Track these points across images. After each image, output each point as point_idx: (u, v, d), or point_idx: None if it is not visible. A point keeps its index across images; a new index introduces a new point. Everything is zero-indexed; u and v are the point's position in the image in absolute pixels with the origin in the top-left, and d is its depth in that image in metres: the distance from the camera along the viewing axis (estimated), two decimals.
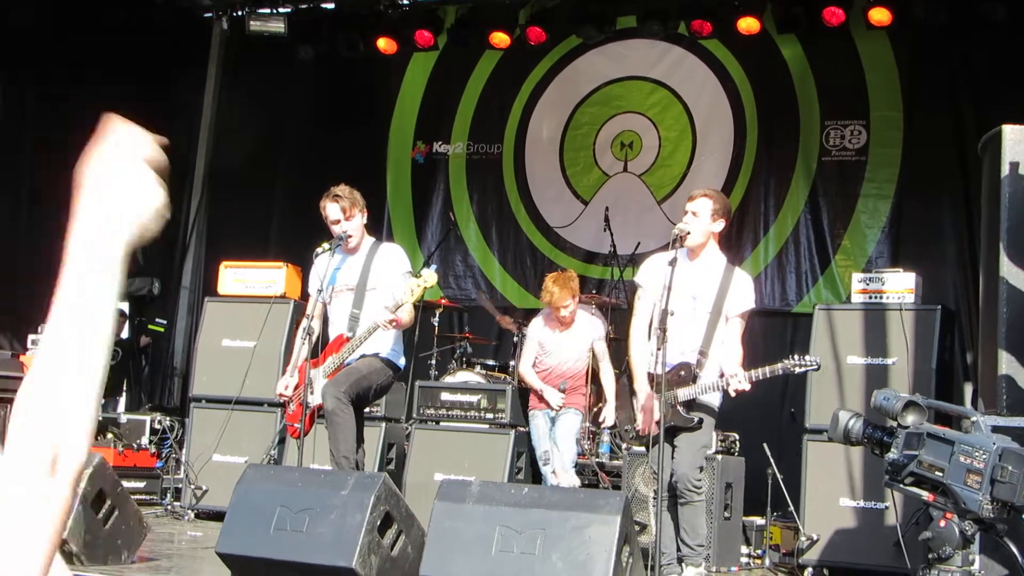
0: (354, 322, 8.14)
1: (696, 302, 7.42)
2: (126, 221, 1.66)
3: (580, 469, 11.11)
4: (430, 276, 7.97)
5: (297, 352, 8.32)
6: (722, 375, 7.34)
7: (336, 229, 8.18)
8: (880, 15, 12.25)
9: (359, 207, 8.28)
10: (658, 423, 7.03)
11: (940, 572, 4.75)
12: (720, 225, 7.60)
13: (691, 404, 7.35)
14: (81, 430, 1.52)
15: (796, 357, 7.28)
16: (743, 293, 7.56)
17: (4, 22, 13.05)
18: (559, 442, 9.82)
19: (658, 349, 7.03)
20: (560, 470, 9.70)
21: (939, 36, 12.33)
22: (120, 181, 1.68)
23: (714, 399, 7.52)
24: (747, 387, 7.19)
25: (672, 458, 7.44)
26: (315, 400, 8.14)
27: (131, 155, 1.74)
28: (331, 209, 8.18)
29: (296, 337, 8.45)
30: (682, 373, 7.29)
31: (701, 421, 7.37)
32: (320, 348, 8.38)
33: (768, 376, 7.27)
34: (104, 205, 1.63)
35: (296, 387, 8.27)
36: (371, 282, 8.22)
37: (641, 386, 7.56)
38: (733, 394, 7.29)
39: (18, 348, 11.42)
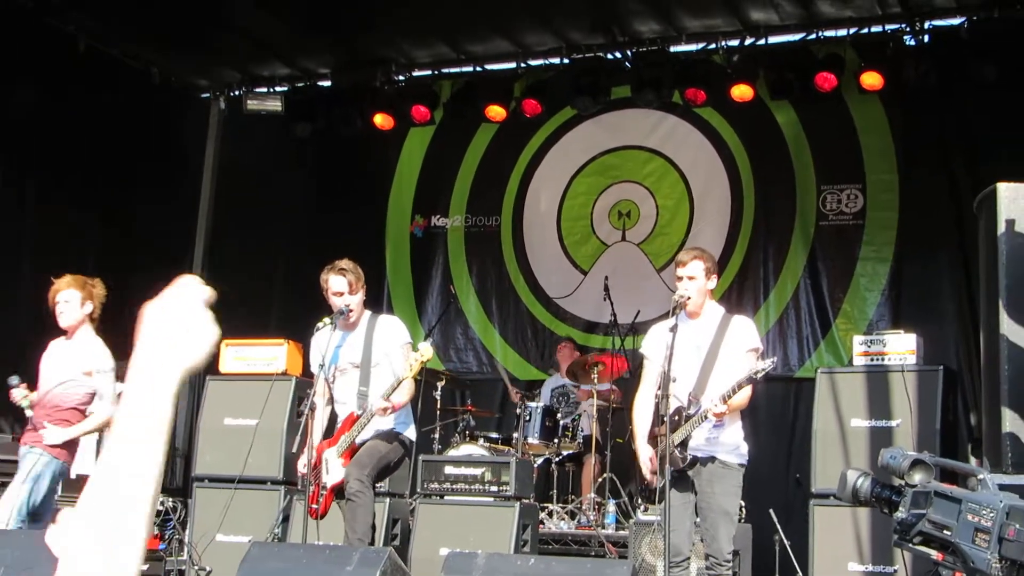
0: (363, 399, 8.11)
1: (700, 351, 7.41)
2: (182, 353, 1.83)
3: (586, 540, 11.06)
4: (427, 350, 7.93)
5: (309, 430, 8.24)
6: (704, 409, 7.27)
7: (338, 302, 8.16)
8: (872, 79, 12.33)
9: (362, 282, 8.29)
10: (662, 491, 7.01)
11: None
12: (714, 282, 7.63)
13: (685, 443, 7.28)
14: (128, 560, 1.57)
15: (756, 364, 7.17)
16: (743, 331, 7.53)
17: (3, 105, 13.13)
18: None
19: (661, 413, 7.02)
20: None
21: (930, 98, 12.43)
22: (179, 319, 1.88)
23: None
24: (723, 409, 7.11)
25: (701, 528, 7.39)
26: (331, 479, 8.12)
27: (191, 297, 1.94)
28: (337, 282, 8.16)
29: (304, 416, 8.38)
30: (676, 417, 7.26)
31: (695, 460, 7.29)
32: (329, 426, 8.36)
33: (736, 390, 7.14)
34: (162, 339, 1.84)
35: (313, 467, 8.21)
36: (375, 357, 8.19)
37: (642, 444, 7.54)
38: (715, 420, 7.19)
39: (18, 431, 11.36)
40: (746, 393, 7.24)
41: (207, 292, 1.97)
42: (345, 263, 8.26)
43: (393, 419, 8.19)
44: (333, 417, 8.46)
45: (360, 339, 8.25)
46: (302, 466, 8.17)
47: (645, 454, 7.48)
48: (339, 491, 8.16)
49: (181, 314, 1.88)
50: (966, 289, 11.99)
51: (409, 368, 7.87)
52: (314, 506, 8.16)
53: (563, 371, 12.91)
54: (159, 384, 1.76)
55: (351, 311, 8.18)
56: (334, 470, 8.14)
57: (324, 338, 8.27)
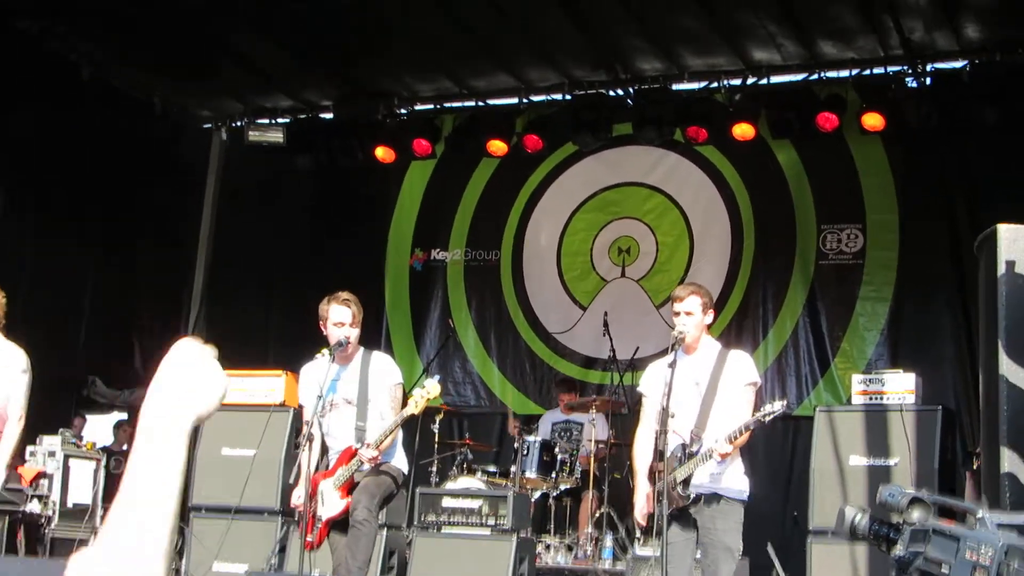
0: (361, 433, 8.04)
1: (699, 387, 7.40)
2: (191, 404, 1.85)
3: (583, 574, 11.03)
4: (433, 387, 7.96)
5: (305, 463, 8.19)
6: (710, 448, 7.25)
7: (338, 333, 8.12)
8: (873, 120, 12.39)
9: (361, 316, 8.28)
10: (659, 530, 7.00)
11: None
12: (711, 317, 7.62)
13: (688, 481, 7.25)
14: None
15: (764, 407, 7.16)
16: (741, 366, 7.51)
17: (4, 134, 13.15)
18: None
19: (659, 449, 7.02)
20: None
21: (931, 139, 12.49)
22: (189, 370, 1.90)
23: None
24: (729, 449, 7.09)
25: (702, 563, 7.37)
26: (327, 512, 8.08)
27: (199, 350, 1.97)
28: (340, 313, 8.12)
29: (299, 448, 8.34)
30: (678, 455, 7.24)
31: (698, 497, 7.27)
32: (322, 458, 8.33)
33: (744, 432, 7.13)
34: (171, 391, 1.84)
35: (309, 499, 8.16)
36: (371, 393, 8.14)
37: (641, 481, 7.52)
38: (719, 459, 7.17)
39: (16, 460, 11.35)
40: (746, 435, 7.25)
41: (210, 350, 1.99)
42: (347, 295, 8.25)
43: (391, 453, 8.16)
44: (322, 449, 8.41)
45: (355, 375, 8.19)
46: (296, 497, 8.13)
47: (643, 491, 7.46)
48: (335, 524, 8.13)
49: (191, 366, 1.90)
50: (965, 329, 12.01)
51: (415, 405, 7.87)
52: (309, 538, 8.08)
53: (563, 409, 12.93)
54: (171, 438, 1.80)
55: (350, 343, 8.17)
56: (330, 502, 8.09)
57: (321, 370, 8.22)
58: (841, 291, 12.99)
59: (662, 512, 6.99)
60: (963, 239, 11.99)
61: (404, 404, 8.07)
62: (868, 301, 12.83)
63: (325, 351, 8.23)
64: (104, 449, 13.67)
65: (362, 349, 8.33)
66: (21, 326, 10.92)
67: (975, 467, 9.26)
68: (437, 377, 8.20)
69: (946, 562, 4.64)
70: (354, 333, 8.14)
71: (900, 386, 9.57)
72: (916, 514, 4.85)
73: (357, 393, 8.12)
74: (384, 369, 8.27)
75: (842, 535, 5.07)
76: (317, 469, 8.17)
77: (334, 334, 8.12)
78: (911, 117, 12.27)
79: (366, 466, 7.99)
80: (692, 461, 7.19)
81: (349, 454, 8.07)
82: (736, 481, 7.38)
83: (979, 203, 12.13)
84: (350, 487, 8.05)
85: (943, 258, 12.47)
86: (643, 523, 7.46)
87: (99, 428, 15.49)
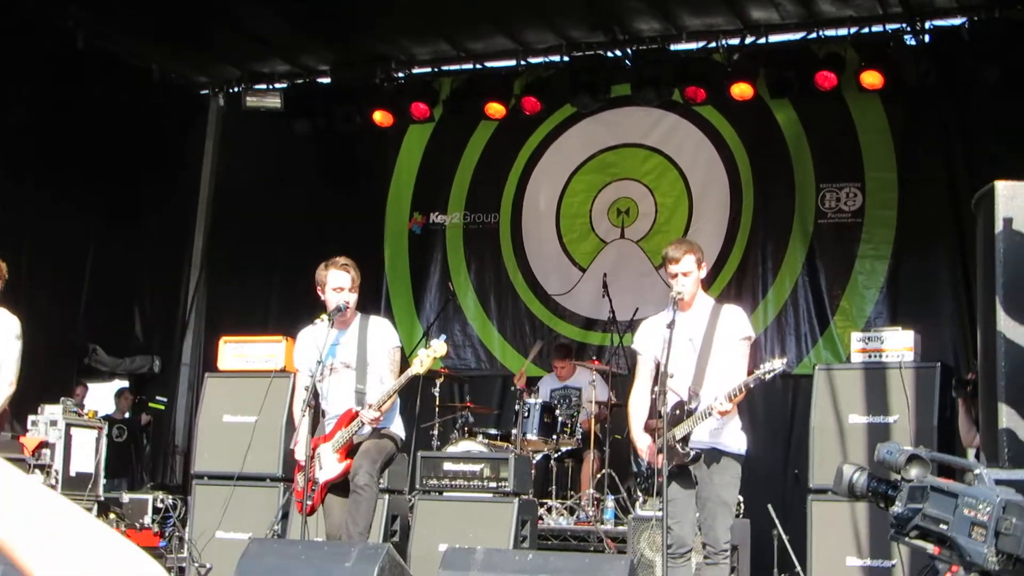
0: (360, 396, 8.04)
1: (693, 343, 7.39)
2: None
3: (585, 535, 11.07)
4: (440, 346, 7.96)
5: (305, 425, 8.18)
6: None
7: (337, 298, 8.11)
8: (872, 78, 12.35)
9: (359, 280, 8.27)
10: (659, 489, 7.02)
11: None
12: (704, 271, 7.62)
13: (687, 439, 7.26)
14: None
15: (764, 364, 7.16)
16: (735, 320, 7.50)
17: (1, 104, 13.13)
18: None
19: (659, 408, 7.03)
20: None
21: (930, 97, 12.46)
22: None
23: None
24: (729, 407, 7.10)
25: (700, 517, 7.41)
26: (324, 475, 8.07)
27: None
28: (339, 278, 8.10)
29: (296, 411, 8.34)
30: (676, 412, 7.23)
31: (698, 455, 7.28)
32: (318, 423, 8.33)
33: (744, 390, 7.14)
34: None
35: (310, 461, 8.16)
36: (370, 357, 8.13)
37: (638, 434, 7.52)
38: (718, 418, 7.18)
39: (19, 429, 11.38)
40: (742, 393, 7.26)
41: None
42: (345, 259, 8.23)
43: (390, 419, 8.16)
44: (319, 413, 8.41)
45: (354, 339, 8.17)
46: (301, 452, 8.09)
47: (643, 443, 7.47)
48: (332, 486, 8.14)
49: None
50: (964, 286, 12.02)
51: (420, 364, 7.86)
52: (307, 502, 8.01)
53: (560, 377, 12.94)
54: None
55: (348, 308, 8.16)
56: (328, 465, 8.08)
57: (319, 335, 8.23)
58: (840, 250, 12.99)
59: (663, 471, 7.01)
60: (962, 196, 11.95)
61: (402, 368, 8.07)
62: (867, 259, 12.83)
63: (324, 316, 8.23)
64: (106, 418, 13.72)
65: (360, 314, 8.31)
66: (23, 295, 10.96)
67: (968, 390, 9.26)
68: (443, 337, 8.18)
69: (944, 519, 4.65)
70: (352, 298, 8.13)
71: (899, 344, 9.57)
72: (914, 471, 4.86)
73: (356, 357, 8.10)
74: (382, 333, 8.25)
75: (841, 493, 5.08)
76: (313, 434, 8.16)
77: (332, 299, 8.11)
78: (910, 75, 12.24)
79: (366, 428, 7.98)
80: (691, 419, 7.20)
81: (349, 416, 8.06)
82: (734, 437, 7.40)
83: (977, 160, 12.11)
84: (348, 450, 8.04)
85: (942, 216, 12.46)
86: (649, 458, 7.44)
87: (101, 396, 15.54)
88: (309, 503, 8.01)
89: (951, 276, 12.32)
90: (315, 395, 8.24)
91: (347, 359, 8.13)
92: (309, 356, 8.17)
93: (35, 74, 13.26)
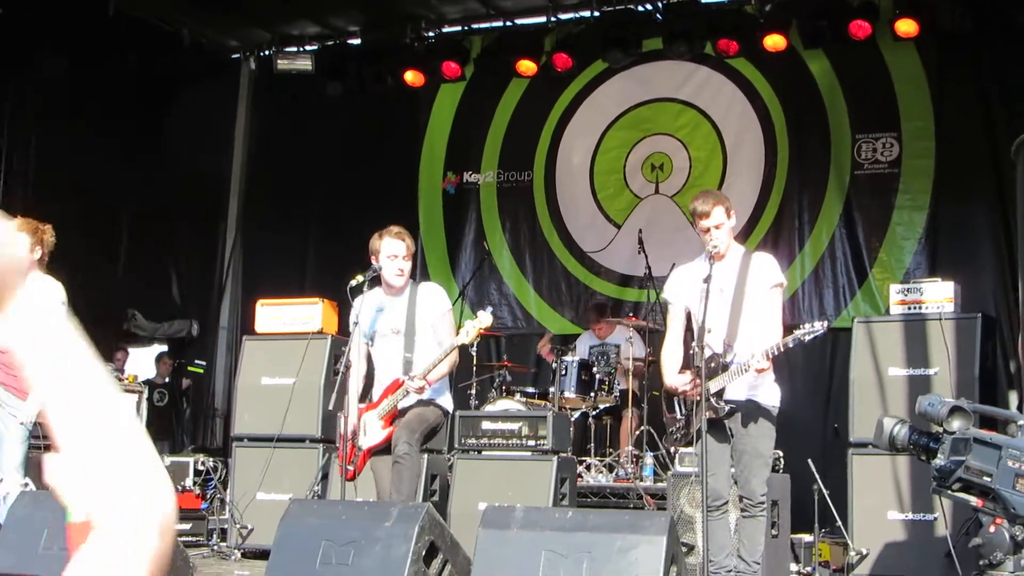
0: (408, 366, 8.11)
1: (724, 293, 7.34)
2: None
3: (624, 493, 11.07)
4: (485, 318, 7.99)
5: (349, 389, 8.23)
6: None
7: (392, 266, 8.14)
8: (907, 26, 12.21)
9: (413, 248, 8.27)
10: (690, 442, 7.01)
11: None
12: (734, 219, 7.54)
13: (721, 393, 7.22)
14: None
15: (804, 326, 7.11)
16: (765, 268, 7.42)
17: (37, 73, 13.17)
18: None
19: (698, 365, 6.99)
20: None
21: (966, 44, 12.30)
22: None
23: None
24: (766, 365, 7.05)
25: (736, 470, 7.40)
26: (367, 441, 8.16)
27: None
28: (395, 246, 8.13)
29: (342, 375, 8.36)
30: (711, 365, 7.17)
31: (733, 410, 7.25)
32: (365, 387, 8.38)
33: (783, 349, 7.09)
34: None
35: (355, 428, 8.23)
36: (419, 325, 8.19)
37: (674, 377, 7.48)
38: (755, 375, 7.14)
39: None
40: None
41: None
42: (399, 228, 8.33)
43: (436, 390, 8.22)
44: (368, 378, 8.47)
45: (403, 306, 8.24)
46: (354, 418, 8.15)
47: (681, 380, 7.41)
48: (377, 451, 8.19)
49: None
50: (1004, 235, 11.90)
51: (466, 335, 7.91)
52: (349, 467, 8.18)
53: (599, 335, 12.93)
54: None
55: (403, 275, 8.18)
56: (372, 432, 8.17)
57: (368, 302, 8.26)
58: (877, 200, 12.88)
59: (701, 424, 6.98)
60: (1000, 144, 11.82)
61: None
62: (905, 210, 12.72)
63: (360, 277, 8.26)
64: (146, 382, 13.81)
65: (411, 282, 8.35)
66: (60, 262, 11.01)
67: None
68: (489, 309, 8.19)
69: (988, 471, 4.62)
70: (407, 266, 8.20)
71: (939, 295, 9.48)
72: (956, 423, 4.83)
73: (405, 324, 8.18)
74: (433, 299, 8.32)
75: (881, 446, 5.05)
76: (362, 400, 8.21)
77: (387, 267, 8.14)
78: (945, 22, 12.08)
79: (412, 397, 8.03)
80: (727, 373, 7.15)
81: (396, 385, 8.14)
82: (768, 391, 7.37)
83: (1016, 107, 11.95)
84: (393, 418, 8.12)
85: (980, 164, 12.32)
86: (680, 386, 7.41)
87: (142, 361, 15.66)
88: (351, 468, 8.13)
89: (990, 225, 12.20)
90: (368, 360, 8.27)
91: (396, 325, 8.20)
92: (362, 320, 8.19)
93: (69, 41, 13.28)
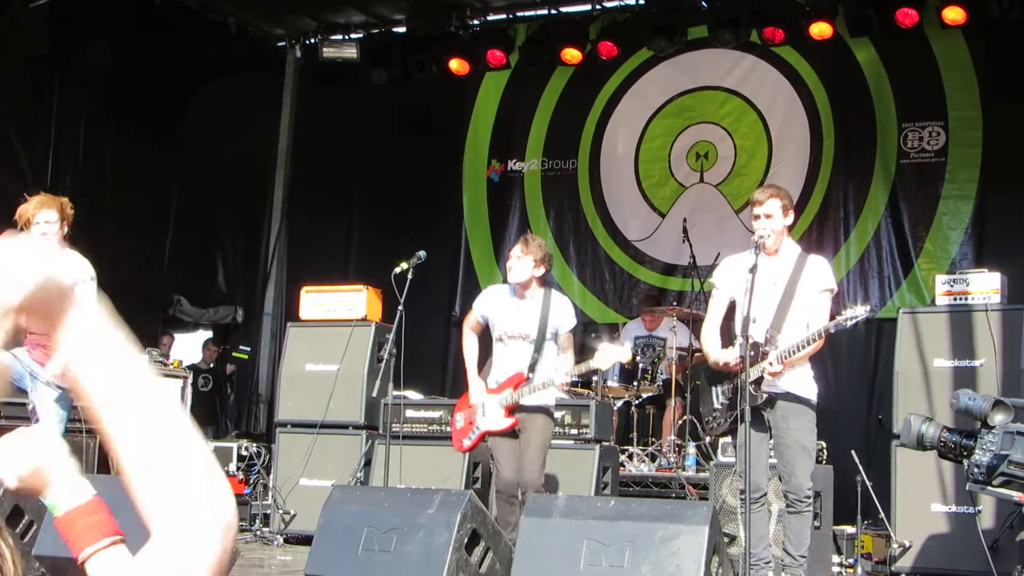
0: (534, 364, 8.34)
1: (776, 287, 7.35)
2: None
3: (667, 482, 11.07)
4: (625, 354, 8.56)
5: (477, 370, 8.60)
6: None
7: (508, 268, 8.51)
8: (954, 14, 12.12)
9: (539, 258, 8.38)
10: (724, 432, 7.00)
11: None
12: (791, 219, 7.55)
13: (760, 382, 7.21)
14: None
15: (846, 311, 7.11)
16: (819, 271, 7.45)
17: (85, 62, 13.27)
18: None
19: (742, 356, 6.99)
20: None
21: (1014, 31, 12.18)
22: None
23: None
24: (777, 369, 7.08)
25: (779, 465, 7.40)
26: (486, 424, 8.38)
27: None
28: (514, 250, 8.52)
29: (467, 355, 8.63)
30: (752, 353, 7.16)
31: (771, 398, 7.25)
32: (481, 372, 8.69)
33: (824, 336, 7.10)
34: None
35: (470, 407, 8.54)
36: (549, 331, 8.39)
37: (720, 353, 7.50)
38: (769, 378, 7.15)
39: None
40: (819, 343, 7.22)
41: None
42: (533, 236, 8.68)
43: (550, 396, 8.44)
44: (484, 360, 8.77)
45: (536, 312, 8.40)
46: (478, 397, 8.43)
47: (728, 355, 7.41)
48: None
49: None
50: None
51: (603, 361, 8.39)
52: (465, 441, 8.55)
53: (647, 326, 12.93)
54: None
55: (515, 277, 8.39)
56: (491, 416, 8.35)
57: (499, 300, 8.54)
58: (923, 190, 12.80)
59: (745, 417, 6.97)
60: None
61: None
62: (951, 199, 12.64)
63: (404, 264, 8.54)
64: (191, 367, 13.90)
65: (542, 289, 8.53)
66: (107, 247, 11.10)
67: None
68: (629, 345, 8.45)
69: None
70: (539, 272, 8.38)
71: (985, 285, 9.40)
72: (999, 417, 4.80)
73: (537, 328, 8.36)
74: (566, 313, 8.51)
75: (910, 445, 5.03)
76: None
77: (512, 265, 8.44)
78: (992, 9, 11.96)
79: (530, 398, 8.26)
80: (765, 361, 7.15)
81: (519, 380, 8.32)
82: (806, 384, 7.38)
83: None
84: (513, 409, 8.30)
85: None
86: (725, 360, 7.43)
87: (189, 346, 15.78)
88: (467, 444, 8.58)
89: None
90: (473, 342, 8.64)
91: (526, 330, 8.38)
92: (482, 310, 8.55)
93: (116, 29, 13.37)
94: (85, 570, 1.82)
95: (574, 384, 12.05)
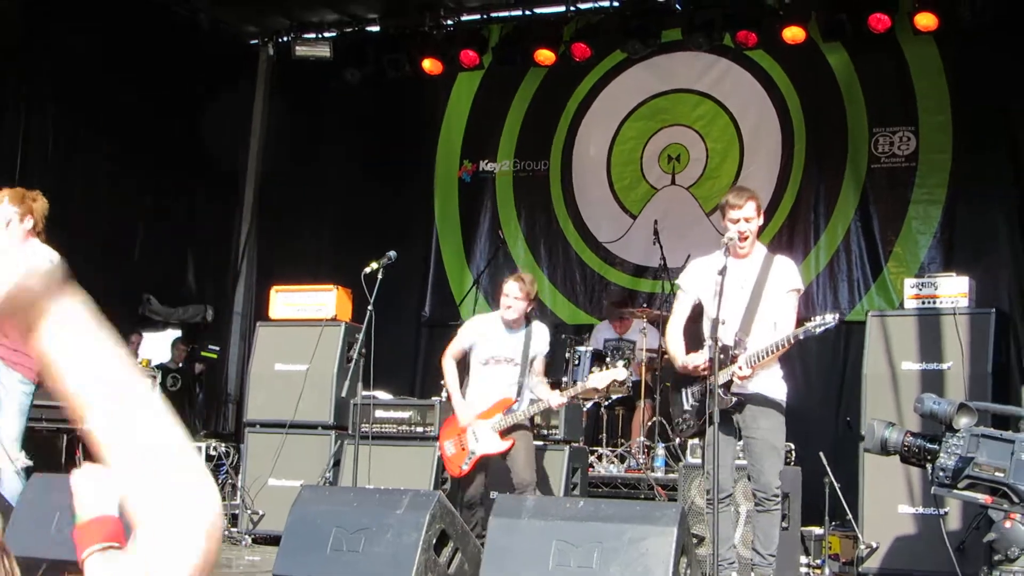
0: (520, 388, 8.87)
1: (743, 291, 7.38)
2: None
3: (636, 483, 11.08)
4: (621, 374, 9.05)
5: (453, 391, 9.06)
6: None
7: (506, 303, 8.84)
8: (926, 20, 12.18)
9: (531, 296, 8.90)
10: (695, 433, 7.01)
11: (1003, 574, 4.69)
12: (762, 220, 7.63)
13: (729, 385, 7.25)
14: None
15: (815, 318, 7.16)
16: (786, 272, 7.49)
17: (54, 54, 13.19)
18: None
19: (711, 358, 7.00)
20: None
21: (986, 38, 12.24)
22: None
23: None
24: (747, 372, 7.14)
25: (748, 465, 7.43)
26: (480, 448, 8.75)
27: None
28: (510, 288, 8.87)
29: (447, 371, 9.07)
30: (721, 357, 7.18)
31: (740, 403, 7.29)
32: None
33: (793, 342, 7.16)
34: None
35: (459, 432, 8.91)
36: (530, 356, 8.94)
37: (685, 357, 7.53)
38: (739, 381, 7.20)
39: None
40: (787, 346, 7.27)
41: None
42: (527, 275, 9.21)
43: (531, 410, 8.88)
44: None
45: (521, 341, 8.91)
46: (467, 419, 8.83)
47: (698, 359, 7.43)
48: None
49: None
50: (1020, 231, 11.90)
51: (599, 380, 8.86)
52: (464, 466, 8.83)
53: (617, 330, 12.95)
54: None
55: (511, 315, 8.85)
56: (486, 440, 8.74)
57: (485, 328, 9.00)
58: (894, 194, 12.86)
59: (713, 419, 6.99)
60: (1019, 140, 11.82)
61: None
62: (921, 204, 12.70)
63: (374, 264, 8.71)
64: (159, 367, 13.84)
65: (526, 320, 9.01)
66: (78, 245, 11.03)
67: None
68: (621, 363, 9.39)
69: (1000, 466, 4.62)
70: (519, 307, 8.84)
71: (953, 289, 9.44)
72: (963, 420, 4.82)
73: (521, 355, 8.88)
74: (543, 339, 9.06)
75: (874, 450, 5.05)
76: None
77: (506, 304, 8.86)
78: (965, 15, 12.02)
79: (521, 417, 8.76)
80: (734, 365, 7.18)
81: (506, 404, 8.77)
82: (776, 385, 7.42)
83: None
84: (506, 431, 8.72)
85: (997, 159, 12.30)
86: (693, 364, 7.47)
87: (158, 346, 15.71)
88: (465, 468, 8.86)
89: (1006, 221, 12.18)
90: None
91: (512, 355, 8.90)
92: (471, 340, 9.03)
93: (89, 22, 13.29)
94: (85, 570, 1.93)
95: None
